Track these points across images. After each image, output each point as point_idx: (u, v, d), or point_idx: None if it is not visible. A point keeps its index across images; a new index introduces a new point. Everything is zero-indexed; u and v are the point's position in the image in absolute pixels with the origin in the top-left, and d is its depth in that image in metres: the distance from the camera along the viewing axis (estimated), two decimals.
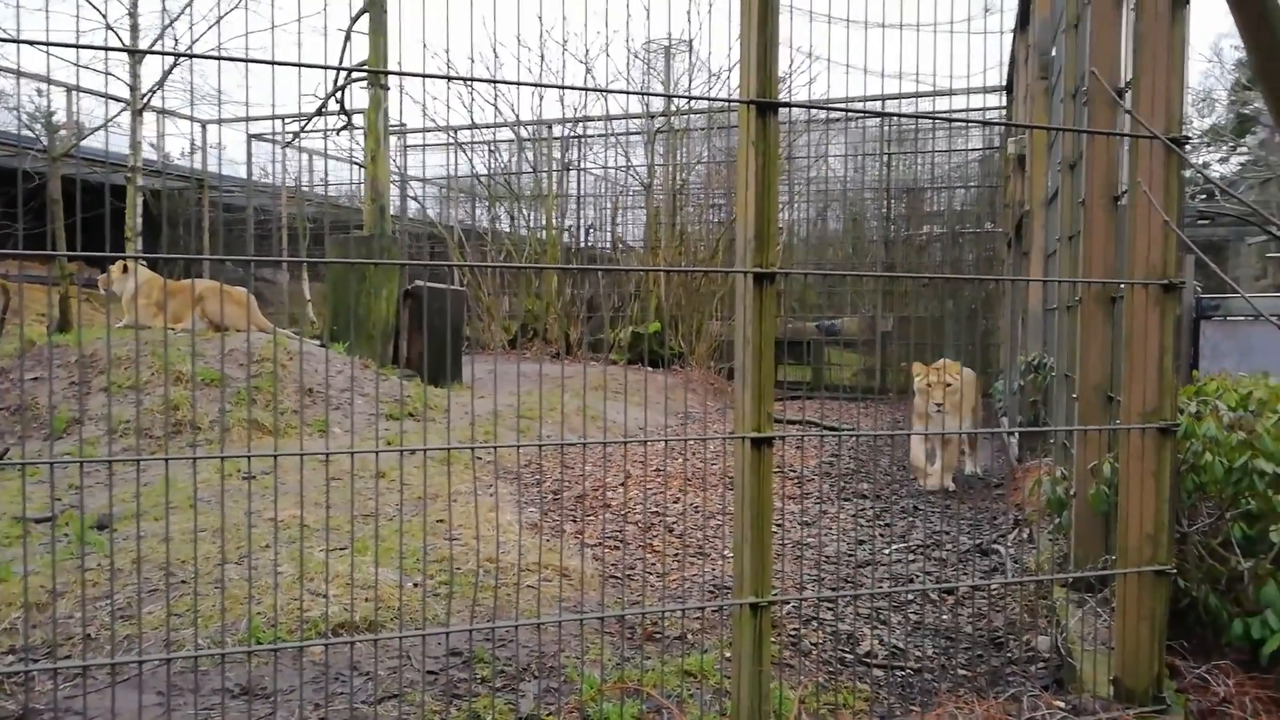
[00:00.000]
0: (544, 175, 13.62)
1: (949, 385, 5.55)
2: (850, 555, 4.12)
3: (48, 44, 2.05)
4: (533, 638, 3.00)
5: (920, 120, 13.72)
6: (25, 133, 11.01)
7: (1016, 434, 5.83)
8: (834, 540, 4.38)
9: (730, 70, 13.27)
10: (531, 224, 13.65)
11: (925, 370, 5.68)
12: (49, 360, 5.68)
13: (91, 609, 3.14)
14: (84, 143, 9.75)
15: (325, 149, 13.19)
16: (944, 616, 3.36)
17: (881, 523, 4.80)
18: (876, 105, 11.40)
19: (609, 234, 14.30)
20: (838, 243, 13.45)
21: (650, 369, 11.24)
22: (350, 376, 6.68)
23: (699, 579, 3.78)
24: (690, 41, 13.95)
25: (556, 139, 13.56)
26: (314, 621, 2.98)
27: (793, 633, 3.14)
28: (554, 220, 13.34)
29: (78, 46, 2.01)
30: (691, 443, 6.67)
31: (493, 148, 13.89)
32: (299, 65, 2.31)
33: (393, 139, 13.14)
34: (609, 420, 7.76)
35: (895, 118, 11.98)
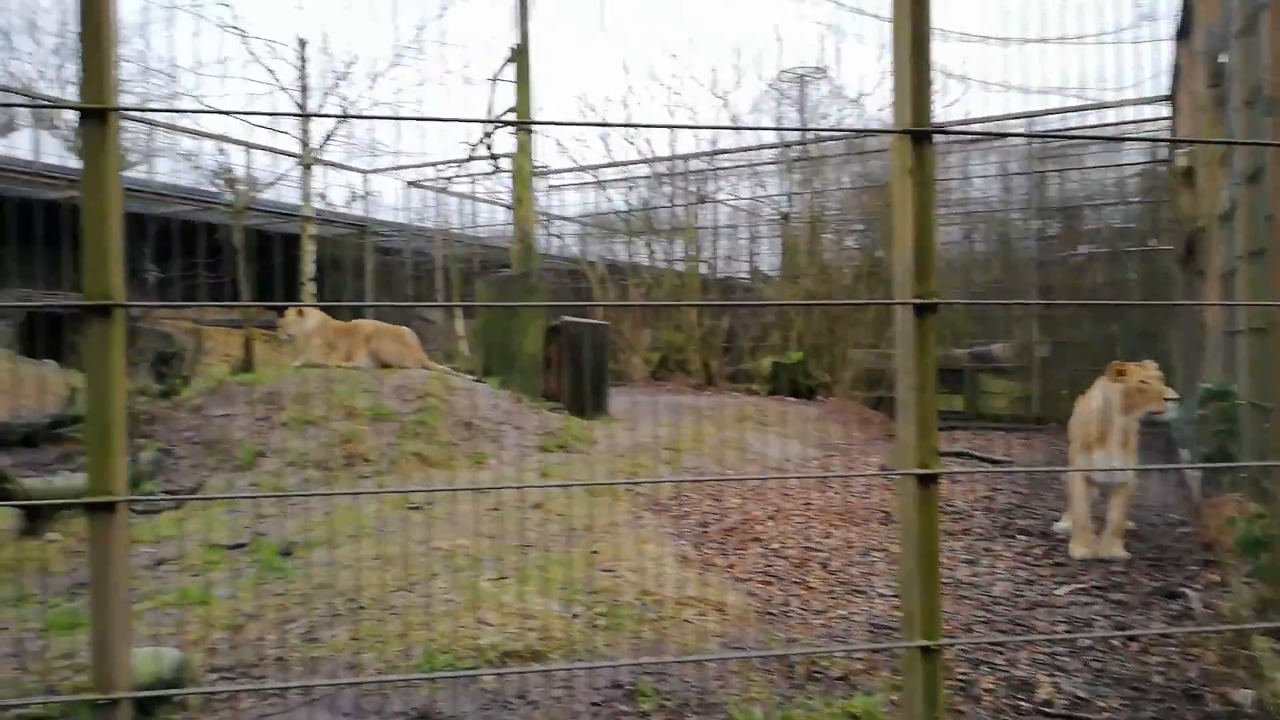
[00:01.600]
0: (679, 209, 13.80)
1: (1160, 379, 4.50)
2: (1019, 596, 3.93)
3: (247, 112, 2.26)
4: (693, 672, 3.01)
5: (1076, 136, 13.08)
6: (210, 188, 12.13)
7: (1199, 468, 5.40)
8: (1000, 579, 4.18)
9: (868, 95, 13.10)
10: (670, 257, 13.81)
11: (1135, 370, 4.54)
12: (236, 398, 6.17)
13: (280, 632, 3.37)
14: (261, 196, 10.61)
15: (474, 192, 13.83)
16: (1128, 665, 3.15)
17: (1051, 561, 4.55)
18: (1028, 123, 10.96)
19: (746, 264, 14.31)
20: (986, 265, 12.94)
21: (793, 399, 11.11)
22: (505, 410, 6.93)
23: (856, 617, 3.69)
24: (824, 69, 13.88)
25: (693, 173, 13.72)
26: (483, 650, 3.09)
27: (961, 677, 3.02)
28: (691, 253, 13.47)
29: (258, 113, 2.22)
30: (841, 475, 6.54)
31: (631, 184, 14.20)
32: (449, 120, 2.48)
33: (537, 179, 13.65)
34: (753, 452, 7.71)
35: (1049, 137, 11.46)
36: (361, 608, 3.51)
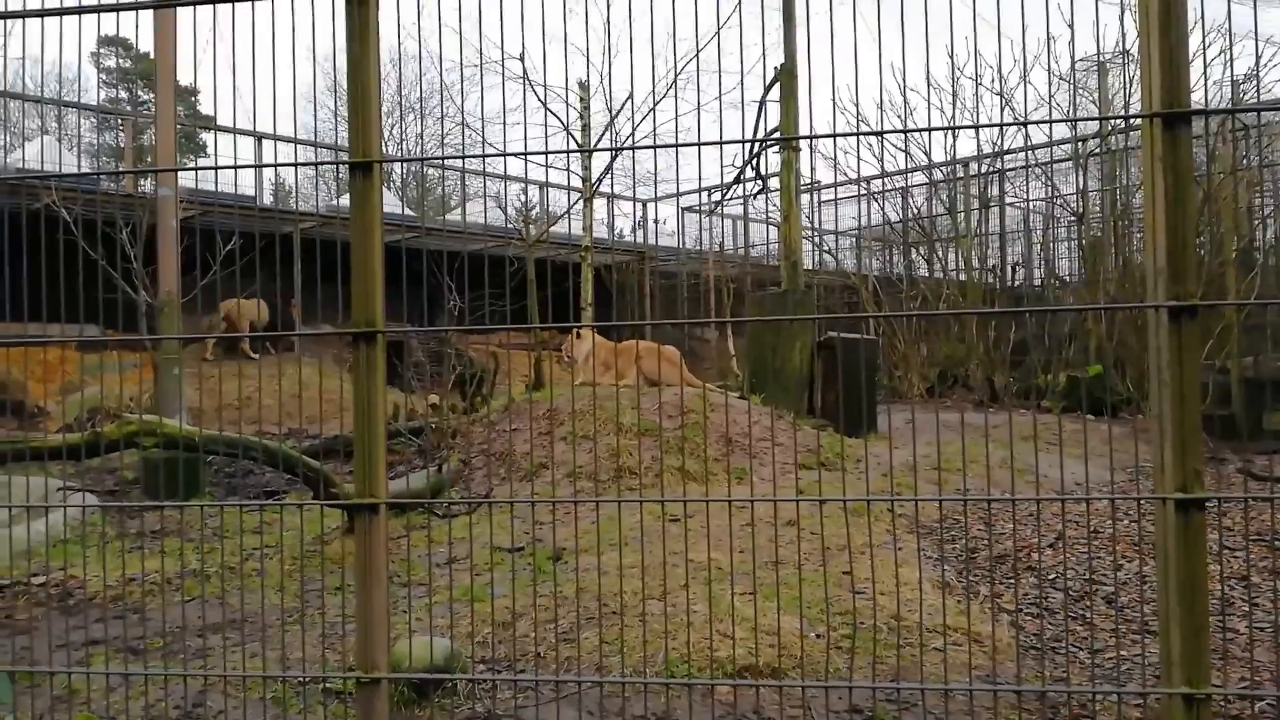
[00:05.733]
0: (960, 215, 13.05)
1: None
2: None
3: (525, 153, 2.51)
4: (938, 704, 2.85)
5: None
6: (509, 226, 13.48)
7: None
8: None
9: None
10: (949, 266, 13.11)
11: None
12: (524, 414, 6.75)
13: (541, 631, 3.65)
14: (552, 229, 11.58)
15: (745, 213, 14.04)
16: None
17: None
18: None
19: (1037, 270, 13.23)
20: None
21: (1092, 417, 10.06)
22: (765, 426, 6.96)
23: (1141, 660, 3.29)
24: (1127, 52, 12.53)
25: (973, 177, 12.95)
26: (721, 662, 3.14)
27: None
28: (973, 260, 12.69)
29: (543, 152, 2.44)
30: (1144, 503, 5.82)
31: (907, 193, 13.68)
32: (719, 144, 2.55)
33: (805, 196, 13.58)
34: (1042, 474, 7.08)
35: None
36: (614, 613, 3.70)
